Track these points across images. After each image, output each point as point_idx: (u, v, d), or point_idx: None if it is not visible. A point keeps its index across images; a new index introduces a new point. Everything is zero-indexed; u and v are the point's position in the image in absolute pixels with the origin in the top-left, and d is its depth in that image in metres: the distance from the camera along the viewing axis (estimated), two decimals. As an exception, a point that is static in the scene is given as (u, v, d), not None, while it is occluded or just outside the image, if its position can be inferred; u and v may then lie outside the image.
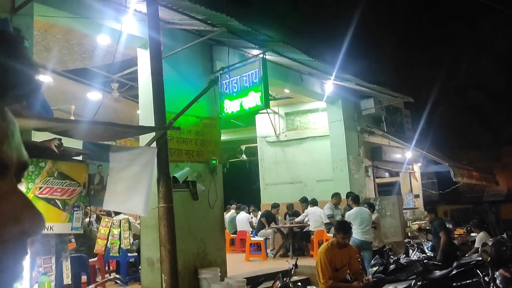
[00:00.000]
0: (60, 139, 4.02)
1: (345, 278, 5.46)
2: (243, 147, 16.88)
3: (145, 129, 4.55)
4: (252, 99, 7.68)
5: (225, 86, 8.11)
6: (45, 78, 8.15)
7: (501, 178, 18.62)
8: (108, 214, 6.89)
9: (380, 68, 14.49)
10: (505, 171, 19.66)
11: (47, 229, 4.12)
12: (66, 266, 4.33)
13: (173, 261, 4.46)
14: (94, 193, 4.61)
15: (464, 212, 20.61)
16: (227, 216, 14.28)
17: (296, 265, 5.82)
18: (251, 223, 13.50)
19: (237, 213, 13.81)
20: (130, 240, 6.07)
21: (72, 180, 4.32)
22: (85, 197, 4.44)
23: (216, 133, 8.23)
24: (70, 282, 4.45)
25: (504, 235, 9.20)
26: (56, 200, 4.20)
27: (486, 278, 5.51)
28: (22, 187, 0.62)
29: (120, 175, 4.63)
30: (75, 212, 4.32)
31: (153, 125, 4.70)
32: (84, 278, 6.53)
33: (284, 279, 5.43)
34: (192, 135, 7.75)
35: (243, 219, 13.24)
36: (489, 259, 5.71)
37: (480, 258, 6.21)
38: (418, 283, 5.81)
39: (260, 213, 13.10)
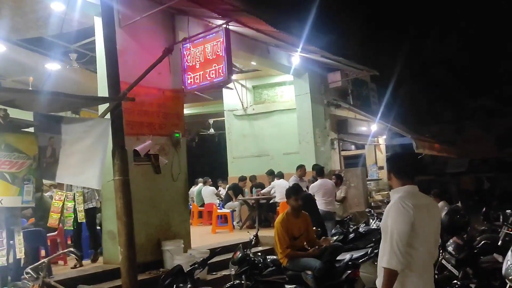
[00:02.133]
0: (5, 110, 3.86)
1: (303, 247, 5.57)
2: (211, 121, 16.77)
3: (97, 100, 4.41)
4: (216, 71, 7.57)
5: (188, 57, 7.95)
6: (-2, 47, 7.79)
7: (462, 150, 19.21)
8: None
9: (347, 42, 14.51)
10: (466, 144, 20.28)
11: (-4, 203, 3.99)
12: (19, 240, 4.24)
13: (130, 234, 4.42)
14: (46, 166, 4.48)
15: (427, 183, 21.24)
16: (195, 189, 14.33)
17: (256, 236, 5.90)
18: (218, 195, 13.59)
19: (204, 187, 13.85)
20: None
21: (20, 153, 4.18)
22: (35, 170, 4.31)
23: (179, 106, 8.11)
24: (23, 256, 4.37)
25: (459, 204, 9.56)
26: (5, 173, 4.06)
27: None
28: None
29: (73, 148, 4.49)
30: (25, 185, 4.20)
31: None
32: (43, 252, 6.42)
33: (245, 250, 5.49)
34: (154, 108, 7.59)
35: (209, 192, 13.32)
36: (439, 227, 5.91)
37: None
38: (375, 250, 5.97)
39: (227, 186, 13.17)
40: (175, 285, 3.88)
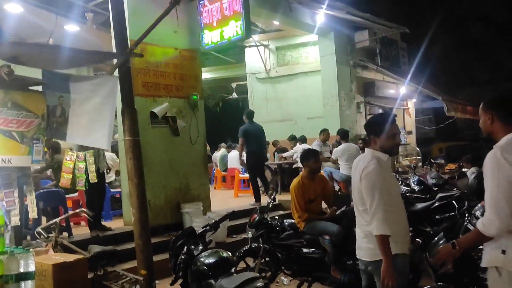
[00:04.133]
0: (9, 66, 3.73)
1: (320, 210, 5.39)
2: (233, 85, 16.51)
3: (103, 56, 4.23)
4: (233, 29, 7.27)
5: (205, 15, 7.65)
6: (14, 8, 7.67)
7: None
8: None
9: (375, -2, 13.76)
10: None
11: (5, 162, 3.94)
12: (31, 199, 4.20)
13: (142, 195, 4.31)
14: (56, 126, 4.38)
15: (459, 148, 20.50)
16: (218, 154, 14.27)
17: (274, 199, 5.74)
18: (242, 161, 13.46)
19: (228, 152, 13.76)
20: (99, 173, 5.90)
21: (28, 112, 4.07)
22: (44, 129, 4.21)
23: (197, 67, 7.87)
24: (35, 216, 4.34)
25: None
26: (13, 132, 3.98)
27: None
28: None
29: (82, 107, 4.36)
30: (34, 144, 4.12)
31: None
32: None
33: (262, 213, 5.36)
34: (171, 69, 7.40)
35: (234, 156, 13.16)
36: (465, 191, 5.61)
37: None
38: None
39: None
40: (186, 247, 3.77)
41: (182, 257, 3.69)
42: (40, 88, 4.38)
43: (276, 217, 5.71)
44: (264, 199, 9.04)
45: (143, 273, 4.17)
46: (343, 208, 5.36)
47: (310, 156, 5.29)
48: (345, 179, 8.79)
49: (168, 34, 7.21)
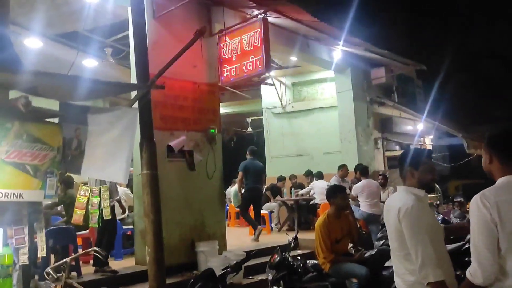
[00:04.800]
0: (26, 97, 3.60)
1: (346, 251, 5.07)
2: (249, 120, 16.43)
3: (124, 87, 4.11)
4: (253, 63, 7.19)
5: (224, 49, 7.61)
6: (33, 42, 7.72)
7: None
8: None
9: (392, 34, 13.74)
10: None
11: (17, 197, 3.74)
12: (41, 237, 3.97)
13: (158, 233, 4.08)
14: (71, 159, 4.20)
15: (476, 186, 19.80)
16: (232, 189, 13.98)
17: (296, 238, 5.45)
18: (241, 194, 13.14)
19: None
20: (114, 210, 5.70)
21: (43, 144, 3.90)
22: (59, 163, 4.03)
23: (215, 101, 7.76)
24: (44, 255, 4.10)
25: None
26: (26, 165, 3.79)
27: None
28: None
29: (99, 140, 4.20)
30: (48, 179, 3.92)
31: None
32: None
33: (283, 253, 5.06)
34: (189, 102, 7.29)
35: (248, 192, 12.91)
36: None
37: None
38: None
39: (265, 186, 12.76)
40: (205, 291, 3.50)
41: (202, 302, 3.41)
42: (56, 120, 4.24)
43: (299, 258, 5.39)
44: (248, 238, 9.24)
45: (158, 319, 3.86)
46: (372, 251, 5.03)
47: (337, 192, 5.03)
48: (365, 217, 8.45)
49: (187, 68, 7.15)
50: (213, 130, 7.51)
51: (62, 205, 6.99)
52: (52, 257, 6.14)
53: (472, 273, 2.25)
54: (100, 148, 4.20)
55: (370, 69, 12.17)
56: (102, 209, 5.33)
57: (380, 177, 9.79)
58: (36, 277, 5.08)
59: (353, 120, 11.56)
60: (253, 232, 10.71)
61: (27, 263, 3.85)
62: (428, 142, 15.50)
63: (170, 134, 6.94)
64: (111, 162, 4.14)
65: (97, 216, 5.30)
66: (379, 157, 12.47)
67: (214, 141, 7.59)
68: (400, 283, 2.80)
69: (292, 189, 11.53)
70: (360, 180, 8.95)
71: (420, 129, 13.44)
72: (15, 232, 3.81)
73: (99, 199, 5.27)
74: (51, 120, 4.22)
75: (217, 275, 3.66)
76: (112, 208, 5.65)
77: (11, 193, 3.67)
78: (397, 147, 14.53)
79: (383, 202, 9.20)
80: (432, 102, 13.71)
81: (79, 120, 4.27)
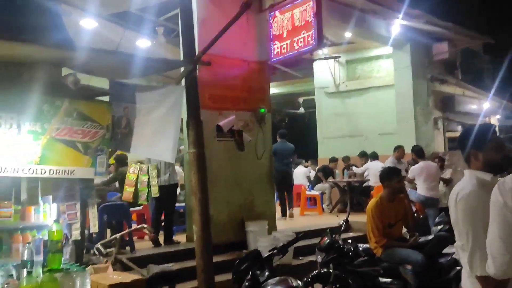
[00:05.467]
0: (75, 74, 3.63)
1: (400, 235, 4.81)
2: (300, 100, 16.14)
3: (170, 64, 4.06)
4: (304, 39, 6.93)
5: (274, 26, 7.39)
6: (89, 23, 7.89)
7: None
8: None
9: (456, 5, 12.82)
10: None
11: (68, 173, 3.83)
12: (93, 213, 4.06)
13: (205, 211, 4.05)
14: (121, 137, 4.25)
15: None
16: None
17: (347, 221, 5.25)
18: (308, 177, 13.01)
19: (294, 168, 13.34)
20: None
21: (93, 122, 3.96)
22: (109, 140, 4.08)
23: (265, 79, 7.59)
24: (96, 230, 4.20)
25: None
26: (76, 143, 3.87)
27: None
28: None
29: (147, 118, 4.21)
30: (98, 156, 3.99)
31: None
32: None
33: (333, 236, 4.89)
34: (239, 81, 7.18)
35: (300, 173, 12.74)
36: None
37: None
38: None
39: (317, 168, 12.55)
40: (250, 272, 3.41)
41: (247, 283, 3.33)
42: (105, 98, 4.28)
43: (349, 241, 5.20)
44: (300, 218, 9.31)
45: (204, 297, 3.86)
46: (428, 237, 4.74)
47: (392, 174, 4.76)
48: (423, 200, 8.05)
49: (237, 46, 7.03)
50: (262, 110, 7.37)
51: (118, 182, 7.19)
52: (108, 232, 6.36)
53: (487, 262, 2.07)
54: (148, 126, 4.20)
55: (431, 44, 11.45)
56: (150, 187, 5.40)
57: (437, 159, 9.27)
58: (92, 251, 5.27)
59: (411, 99, 11.00)
60: (303, 212, 10.67)
61: (79, 238, 3.96)
62: (494, 122, 14.49)
63: (219, 114, 6.88)
64: (159, 141, 4.14)
65: (146, 194, 5.37)
66: (439, 138, 11.82)
67: (264, 121, 7.46)
68: (464, 272, 2.57)
69: (345, 170, 11.23)
70: (416, 162, 8.51)
71: (486, 108, 12.58)
72: (67, 208, 3.91)
73: (147, 177, 5.33)
74: (101, 98, 4.27)
75: (264, 256, 3.57)
76: (170, 184, 5.70)
77: (62, 170, 3.76)
78: (459, 128, 13.74)
79: (444, 182, 8.74)
80: (501, 79, 12.76)
81: (128, 98, 4.29)
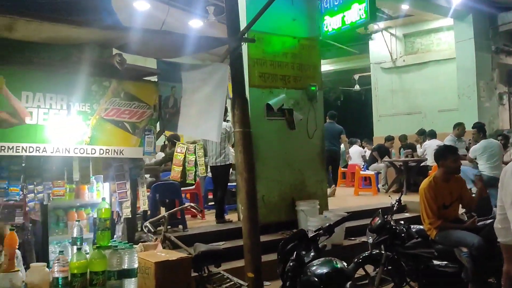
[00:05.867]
0: (120, 54, 3.68)
1: (456, 217, 4.55)
2: (356, 77, 15.66)
3: (214, 42, 4.00)
4: (356, 12, 6.64)
5: (325, 0, 7.13)
6: (141, 5, 8.01)
7: None
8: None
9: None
10: None
11: (117, 153, 3.93)
12: (142, 192, 4.16)
13: (251, 191, 4.02)
14: (168, 117, 4.29)
15: None
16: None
17: (399, 201, 5.03)
18: (363, 157, 12.68)
19: (349, 147, 13.03)
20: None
21: (140, 102, 4.02)
22: (156, 120, 4.13)
23: (316, 56, 7.37)
24: (146, 208, 4.30)
25: None
26: (125, 123, 3.95)
27: None
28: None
29: (193, 97, 4.21)
30: (146, 136, 4.05)
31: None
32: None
33: (385, 216, 4.72)
34: (289, 59, 7.03)
35: (355, 152, 12.43)
36: None
37: None
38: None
39: (373, 146, 12.19)
40: (296, 252, 3.35)
41: (291, 263, 3.27)
42: (152, 78, 4.32)
43: (402, 222, 4.99)
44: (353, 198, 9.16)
45: (250, 276, 3.86)
46: (487, 220, 4.44)
47: (448, 153, 4.48)
48: (486, 180, 7.56)
49: (286, 23, 6.87)
50: (313, 88, 7.19)
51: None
52: (163, 210, 6.54)
53: None
54: (194, 106, 4.21)
55: (496, 13, 10.63)
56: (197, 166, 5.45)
57: (500, 137, 8.66)
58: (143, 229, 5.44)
59: (473, 73, 10.34)
60: (357, 192, 10.43)
61: (130, 216, 4.07)
62: None
63: (270, 92, 6.80)
64: (205, 120, 4.14)
65: (193, 173, 5.43)
66: (504, 114, 11.06)
67: (315, 99, 7.29)
68: None
69: (401, 149, 10.80)
70: (478, 140, 8.00)
71: (559, 82, 11.54)
72: (118, 187, 4.03)
73: (194, 156, 5.38)
74: (148, 78, 4.31)
75: (309, 237, 3.49)
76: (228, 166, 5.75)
77: (111, 150, 3.86)
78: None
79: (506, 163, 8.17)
80: None
81: (175, 78, 4.31)
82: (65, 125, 3.58)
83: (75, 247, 2.81)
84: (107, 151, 3.82)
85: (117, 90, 3.87)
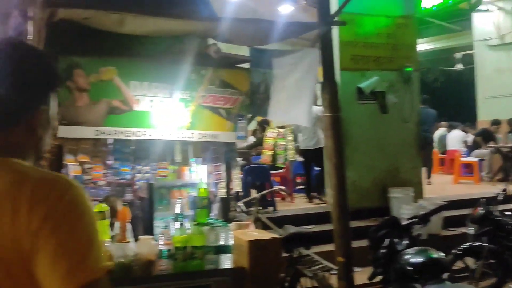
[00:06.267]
0: (216, 44, 3.86)
1: None
2: (457, 55, 14.58)
3: (305, 26, 4.00)
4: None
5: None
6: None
7: None
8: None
9: None
10: None
11: (213, 137, 4.15)
12: (235, 174, 4.36)
13: (340, 176, 3.99)
14: (259, 102, 4.41)
15: None
16: (437, 134, 12.88)
17: (505, 191, 4.70)
18: (465, 142, 11.86)
19: (448, 132, 12.27)
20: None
21: (234, 89, 4.19)
22: (248, 106, 4.28)
23: (412, 35, 7.05)
24: (239, 190, 4.50)
25: None
26: (219, 109, 4.15)
27: None
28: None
29: (283, 83, 4.28)
30: (239, 121, 4.23)
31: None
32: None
33: (489, 206, 4.46)
34: (382, 39, 6.80)
35: (455, 137, 11.69)
36: None
37: None
38: None
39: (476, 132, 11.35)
40: (388, 239, 3.31)
41: (382, 250, 3.25)
42: (244, 65, 4.47)
43: (507, 213, 4.67)
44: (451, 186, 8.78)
45: (340, 261, 3.87)
46: None
47: None
48: None
49: (379, 2, 6.64)
50: (409, 69, 6.89)
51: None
52: (254, 192, 6.78)
53: None
54: (284, 91, 4.28)
55: None
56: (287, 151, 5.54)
57: None
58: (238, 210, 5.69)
59: None
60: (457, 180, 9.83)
61: (225, 196, 4.30)
62: None
63: (361, 75, 6.65)
64: (295, 105, 4.19)
65: (283, 157, 5.53)
66: None
67: (411, 81, 6.98)
68: None
69: (509, 134, 9.93)
70: None
71: None
72: (214, 169, 4.27)
73: (284, 141, 5.47)
74: (241, 66, 4.47)
75: (402, 225, 3.42)
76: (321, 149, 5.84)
77: (208, 134, 4.10)
78: None
79: None
80: None
81: (266, 64, 4.41)
82: (168, 111, 3.87)
83: (177, 223, 3.06)
84: (204, 135, 4.06)
85: (213, 78, 4.07)
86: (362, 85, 6.53)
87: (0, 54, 0.97)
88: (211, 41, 4.07)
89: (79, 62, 3.61)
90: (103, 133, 3.70)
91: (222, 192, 4.25)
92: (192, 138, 4.07)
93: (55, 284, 0.85)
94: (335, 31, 5.83)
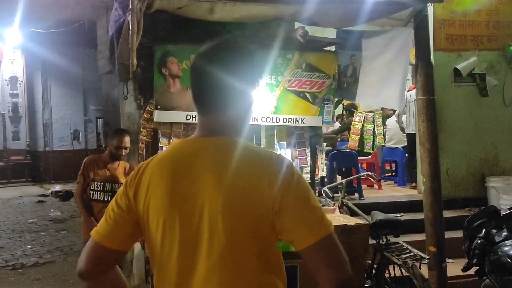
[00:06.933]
0: (303, 27, 3.83)
1: None
2: None
3: (399, 5, 3.78)
4: None
5: None
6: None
7: None
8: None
9: None
10: None
11: (299, 122, 4.15)
12: (320, 159, 4.33)
13: (434, 162, 3.80)
14: (346, 86, 4.31)
15: None
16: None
17: None
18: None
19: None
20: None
21: (320, 72, 4.14)
22: (335, 90, 4.21)
23: (518, 9, 6.39)
24: (324, 175, 4.46)
25: None
26: (305, 93, 4.13)
27: None
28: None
29: (373, 65, 4.13)
30: (325, 105, 4.18)
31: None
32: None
33: None
34: (482, 16, 6.26)
35: None
36: None
37: None
38: None
39: None
40: (484, 230, 3.09)
41: (479, 241, 3.05)
42: (332, 48, 4.39)
43: None
44: None
45: (432, 250, 3.71)
46: None
47: None
48: None
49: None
50: (513, 48, 6.29)
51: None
52: (339, 178, 6.67)
53: None
54: (374, 73, 4.14)
55: None
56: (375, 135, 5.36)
57: None
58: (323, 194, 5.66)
59: None
60: None
61: (310, 181, 4.30)
62: None
63: (458, 56, 6.20)
64: (384, 88, 4.05)
65: (371, 143, 5.36)
66: None
67: (515, 61, 6.37)
68: None
69: None
70: None
71: None
72: (299, 153, 4.28)
73: (373, 125, 5.29)
74: (327, 48, 4.40)
75: (502, 215, 3.17)
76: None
77: (293, 119, 4.11)
78: None
79: None
80: None
81: (354, 46, 4.30)
82: (255, 96, 3.93)
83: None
84: (290, 120, 4.08)
85: (299, 62, 4.05)
86: (459, 66, 6.08)
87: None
88: (297, 24, 4.03)
89: (172, 50, 3.79)
90: (194, 117, 3.87)
91: (307, 177, 4.25)
92: (278, 122, 4.10)
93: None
94: (430, 9, 5.50)
